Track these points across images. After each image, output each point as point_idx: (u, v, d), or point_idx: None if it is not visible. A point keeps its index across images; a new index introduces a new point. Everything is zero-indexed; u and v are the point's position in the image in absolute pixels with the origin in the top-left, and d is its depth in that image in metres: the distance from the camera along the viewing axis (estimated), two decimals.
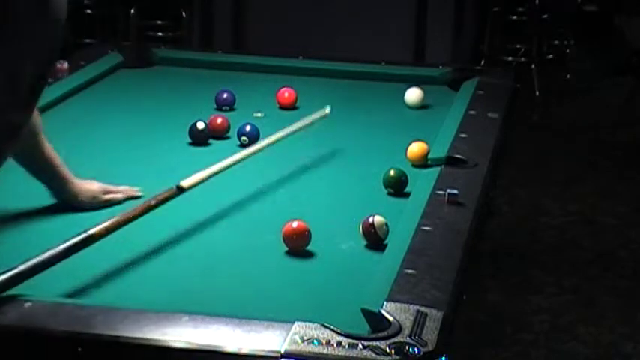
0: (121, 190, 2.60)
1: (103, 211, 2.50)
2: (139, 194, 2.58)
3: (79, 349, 1.80)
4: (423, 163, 2.79)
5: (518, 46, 7.23)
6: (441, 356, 1.78)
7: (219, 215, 2.52)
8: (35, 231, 2.39)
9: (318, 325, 1.81)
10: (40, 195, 2.59)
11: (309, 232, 2.28)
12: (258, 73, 3.74)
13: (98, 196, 2.56)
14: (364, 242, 2.32)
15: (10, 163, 2.80)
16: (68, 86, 3.39)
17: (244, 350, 1.77)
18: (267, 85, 3.51)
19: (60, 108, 3.26)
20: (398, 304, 1.91)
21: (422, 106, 3.37)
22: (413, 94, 3.39)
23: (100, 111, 3.31)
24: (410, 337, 1.80)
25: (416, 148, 2.82)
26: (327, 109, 3.01)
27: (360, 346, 1.76)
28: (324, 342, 1.77)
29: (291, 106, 3.36)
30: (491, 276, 4.56)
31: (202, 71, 3.79)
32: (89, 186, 2.56)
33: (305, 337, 1.78)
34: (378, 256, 2.25)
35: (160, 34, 6.52)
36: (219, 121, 3.06)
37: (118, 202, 2.55)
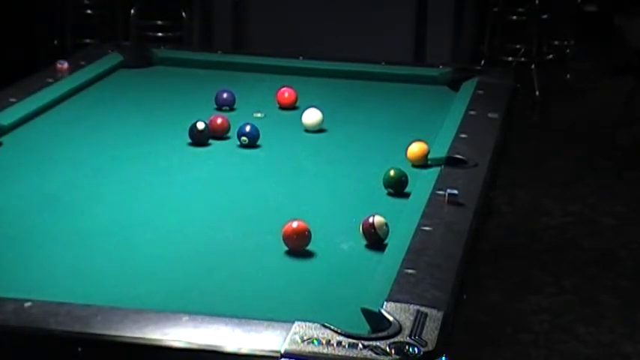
0: None
1: (99, 209, 2.50)
2: None
3: (79, 349, 1.80)
4: (423, 163, 2.79)
5: (518, 46, 7.23)
6: (441, 356, 1.78)
7: (219, 215, 2.52)
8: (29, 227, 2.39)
9: (318, 325, 1.81)
10: (37, 194, 2.59)
11: (309, 232, 2.28)
12: (258, 73, 3.74)
13: None
14: (364, 242, 2.32)
15: (11, 162, 2.81)
16: (68, 86, 3.39)
17: (244, 350, 1.77)
18: (267, 85, 3.51)
19: (60, 108, 3.26)
20: (398, 304, 1.91)
21: (320, 129, 3.14)
22: (310, 117, 3.14)
23: (100, 111, 3.31)
24: (410, 337, 1.80)
25: (416, 148, 2.82)
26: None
27: (360, 346, 1.76)
28: (324, 342, 1.77)
29: (291, 106, 3.35)
30: (491, 276, 4.56)
31: (202, 71, 3.79)
32: None
33: (305, 337, 1.78)
34: (378, 256, 2.24)
35: (159, 34, 6.52)
36: (219, 121, 3.06)
37: None
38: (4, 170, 2.76)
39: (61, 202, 2.55)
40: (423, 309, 1.89)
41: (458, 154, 2.77)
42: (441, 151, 2.79)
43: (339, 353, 1.74)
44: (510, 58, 7.17)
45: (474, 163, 2.72)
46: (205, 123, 3.00)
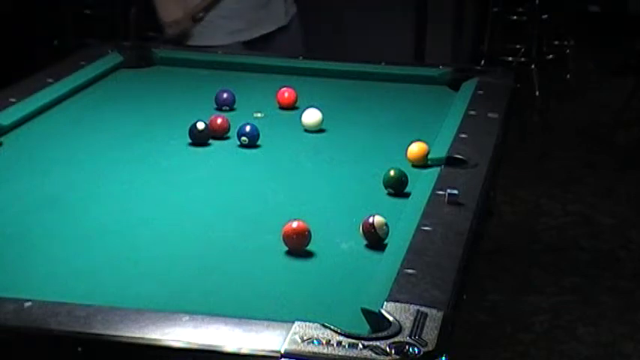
0: None
1: (99, 209, 2.50)
2: None
3: (79, 349, 1.80)
4: (423, 163, 2.79)
5: (518, 46, 7.23)
6: (441, 356, 1.78)
7: (219, 215, 2.52)
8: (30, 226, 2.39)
9: (318, 325, 1.81)
10: (37, 194, 2.59)
11: (309, 232, 2.28)
12: (258, 73, 3.74)
13: None
14: (364, 242, 2.32)
15: (10, 162, 2.81)
16: (68, 86, 3.39)
17: (244, 350, 1.77)
18: (267, 85, 3.51)
19: (60, 108, 3.26)
20: (398, 304, 1.91)
21: (320, 129, 3.13)
22: (310, 117, 3.12)
23: (100, 111, 3.31)
24: (410, 337, 1.80)
25: (416, 148, 2.82)
26: None
27: (360, 346, 1.76)
28: (324, 342, 1.76)
29: (291, 106, 3.35)
30: (491, 276, 4.56)
31: (202, 71, 3.79)
32: None
33: (305, 337, 1.78)
34: (378, 256, 2.24)
35: (160, 34, 6.51)
36: (219, 121, 3.06)
37: None
38: (4, 170, 2.76)
39: (61, 202, 2.55)
40: (423, 309, 1.89)
41: (458, 154, 2.76)
42: (441, 151, 2.79)
43: (339, 353, 1.74)
44: (510, 58, 7.16)
45: (474, 163, 2.72)
46: (205, 123, 3.00)
